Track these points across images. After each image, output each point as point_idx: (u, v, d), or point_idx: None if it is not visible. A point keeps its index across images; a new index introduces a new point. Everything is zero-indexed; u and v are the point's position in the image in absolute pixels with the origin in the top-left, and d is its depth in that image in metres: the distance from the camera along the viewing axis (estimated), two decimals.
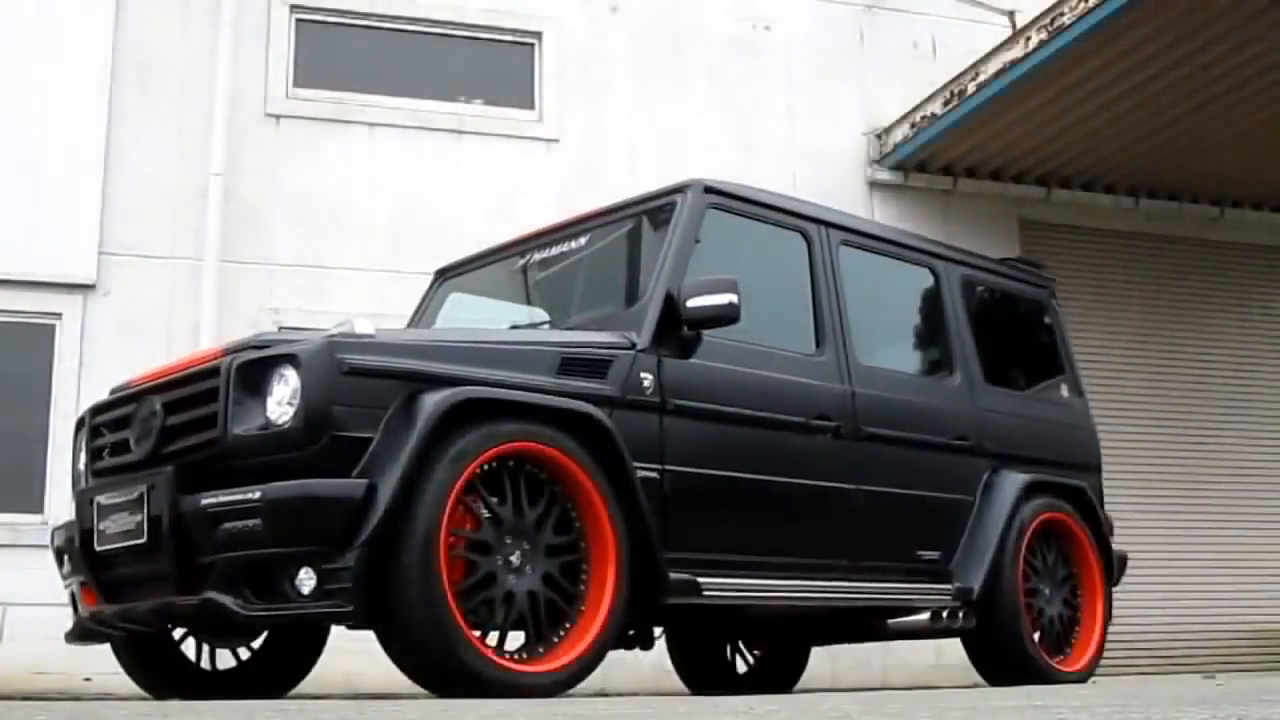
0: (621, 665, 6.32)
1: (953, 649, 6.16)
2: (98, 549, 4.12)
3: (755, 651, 6.70)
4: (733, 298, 4.49)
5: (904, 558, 5.34)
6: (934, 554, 5.44)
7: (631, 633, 5.29)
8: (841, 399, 5.14)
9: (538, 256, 5.50)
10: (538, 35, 9.43)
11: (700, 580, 4.41)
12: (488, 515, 3.91)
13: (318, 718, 2.65)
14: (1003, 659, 5.59)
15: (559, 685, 3.91)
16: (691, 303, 4.53)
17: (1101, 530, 6.08)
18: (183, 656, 4.70)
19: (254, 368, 3.87)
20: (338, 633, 4.78)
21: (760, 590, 4.74)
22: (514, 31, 9.42)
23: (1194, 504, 10.28)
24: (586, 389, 4.28)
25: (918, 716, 2.52)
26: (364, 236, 8.72)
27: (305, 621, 3.71)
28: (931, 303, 5.93)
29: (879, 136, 9.88)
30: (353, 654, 5.05)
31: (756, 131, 9.68)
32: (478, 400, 3.92)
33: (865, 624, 5.50)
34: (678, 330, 4.60)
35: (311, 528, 3.62)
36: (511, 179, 9.06)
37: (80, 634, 4.42)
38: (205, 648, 4.73)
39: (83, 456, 4.46)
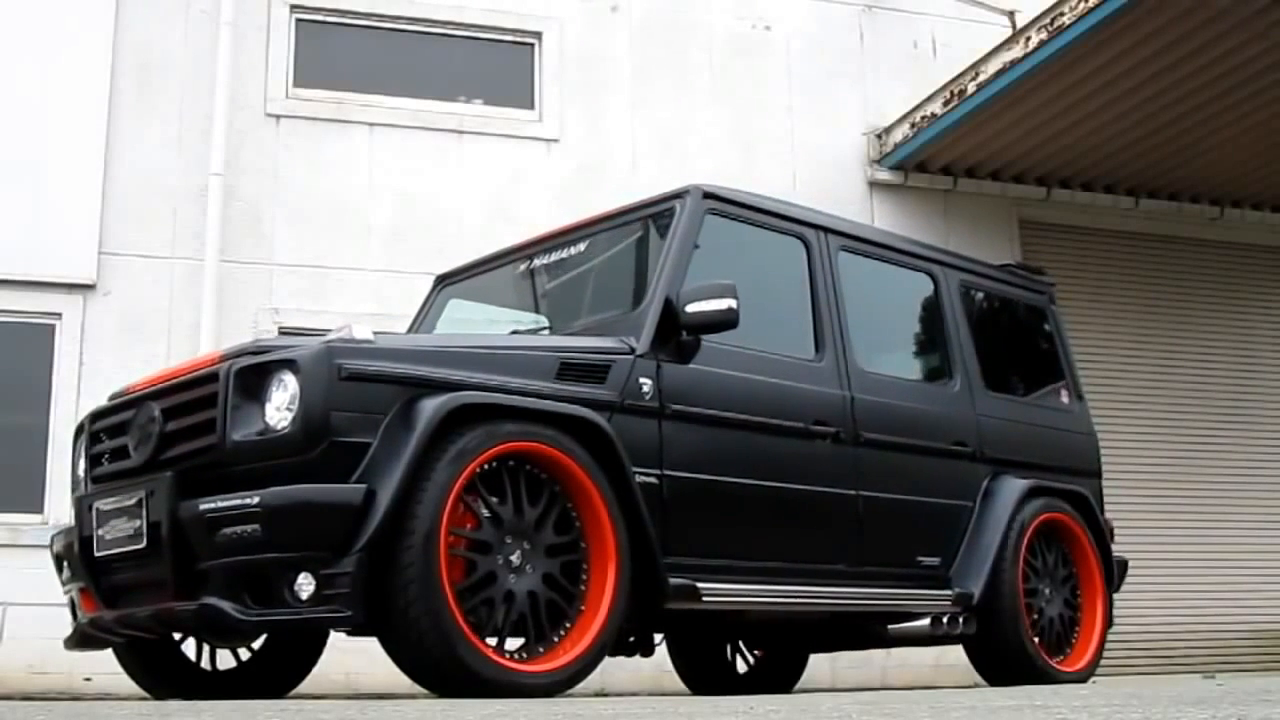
0: (621, 665, 6.33)
1: (953, 650, 6.16)
2: (97, 555, 4.12)
3: (755, 652, 6.69)
4: (732, 303, 4.49)
5: (903, 563, 5.33)
6: (934, 560, 5.43)
7: (632, 639, 5.30)
8: (840, 404, 5.13)
9: (537, 262, 5.50)
10: (538, 35, 9.43)
11: (700, 585, 4.41)
12: (488, 514, 3.91)
13: (318, 718, 2.65)
14: (1003, 660, 5.59)
15: (559, 685, 3.91)
16: (691, 308, 4.53)
17: (1102, 530, 6.08)
18: (183, 657, 4.70)
19: (253, 373, 3.86)
20: (337, 633, 4.79)
21: (759, 595, 4.74)
22: (514, 31, 9.42)
23: (1194, 504, 10.28)
24: (585, 394, 4.27)
25: (918, 716, 2.52)
26: (364, 236, 8.72)
27: (304, 627, 3.70)
28: (931, 308, 5.93)
29: (879, 136, 9.88)
30: (353, 654, 5.06)
31: (756, 131, 9.68)
32: (476, 406, 3.92)
33: (865, 629, 5.49)
34: (677, 335, 4.60)
35: (310, 533, 3.62)
36: (511, 179, 9.06)
37: (80, 640, 4.41)
38: (205, 648, 4.72)
39: (82, 463, 4.45)
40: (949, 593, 5.37)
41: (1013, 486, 5.68)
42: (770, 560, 4.82)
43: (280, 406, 3.79)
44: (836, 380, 5.16)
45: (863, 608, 5.14)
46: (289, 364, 3.81)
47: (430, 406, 3.81)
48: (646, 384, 4.47)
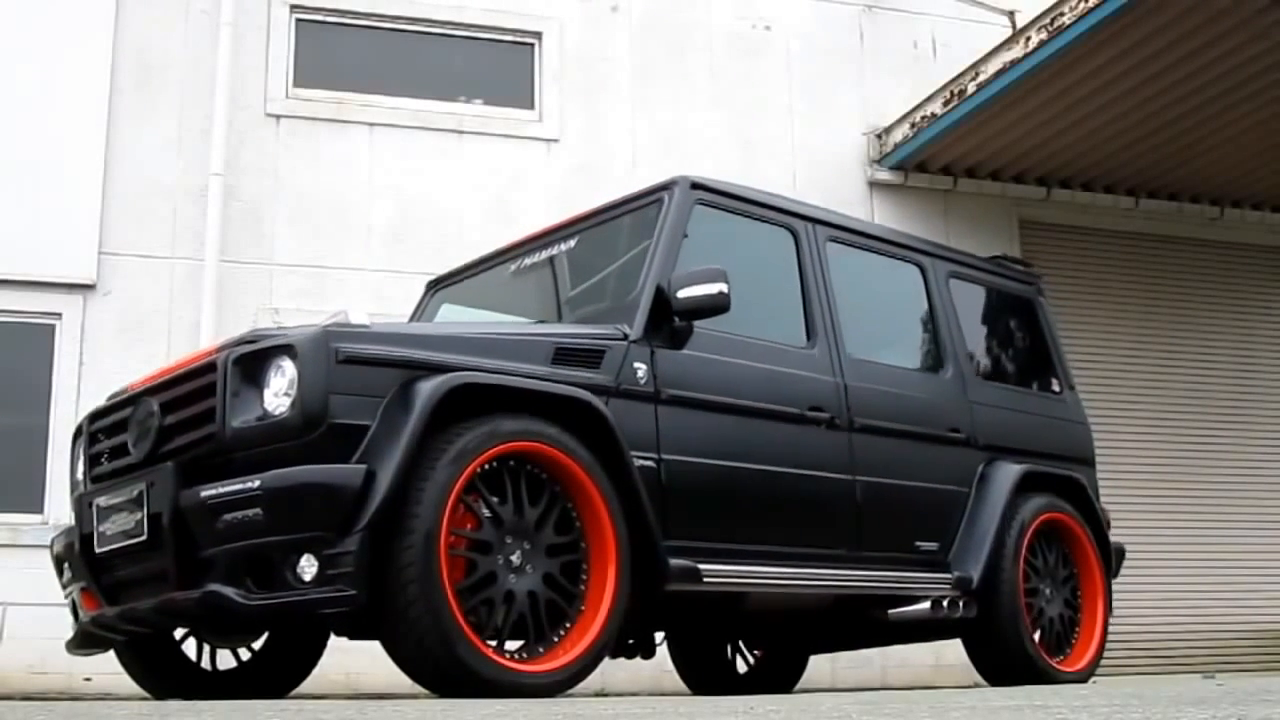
0: (621, 665, 6.33)
1: (953, 649, 6.16)
2: (98, 551, 4.11)
3: (755, 652, 6.70)
4: (723, 287, 4.50)
5: (902, 548, 5.34)
6: (932, 545, 5.45)
7: (632, 641, 5.30)
8: (833, 390, 5.15)
9: (528, 261, 5.51)
10: (538, 35, 9.43)
11: (700, 567, 4.42)
12: (488, 515, 3.91)
13: (318, 718, 2.65)
14: (1003, 659, 5.59)
15: (559, 685, 3.91)
16: (682, 293, 4.55)
17: (1101, 528, 6.09)
18: (183, 657, 4.69)
19: (250, 360, 3.88)
20: (339, 636, 4.79)
21: (760, 577, 4.74)
22: (514, 31, 9.42)
23: (1194, 504, 10.28)
24: (580, 378, 4.28)
25: (918, 716, 2.52)
26: (364, 236, 8.73)
27: (308, 609, 3.67)
28: (920, 299, 5.95)
29: (879, 136, 9.88)
30: (353, 653, 5.05)
31: (756, 131, 9.68)
32: (473, 386, 3.92)
33: (866, 615, 5.49)
34: (670, 321, 4.62)
35: (311, 514, 3.62)
36: (511, 179, 9.07)
37: (82, 641, 4.40)
38: (206, 648, 4.72)
39: (80, 464, 4.44)
40: (948, 576, 5.39)
41: (1007, 472, 5.70)
42: (769, 544, 4.83)
43: (279, 392, 3.80)
44: (829, 367, 5.18)
45: (863, 591, 5.14)
46: (286, 349, 3.82)
47: (428, 387, 3.82)
48: (641, 369, 4.48)
